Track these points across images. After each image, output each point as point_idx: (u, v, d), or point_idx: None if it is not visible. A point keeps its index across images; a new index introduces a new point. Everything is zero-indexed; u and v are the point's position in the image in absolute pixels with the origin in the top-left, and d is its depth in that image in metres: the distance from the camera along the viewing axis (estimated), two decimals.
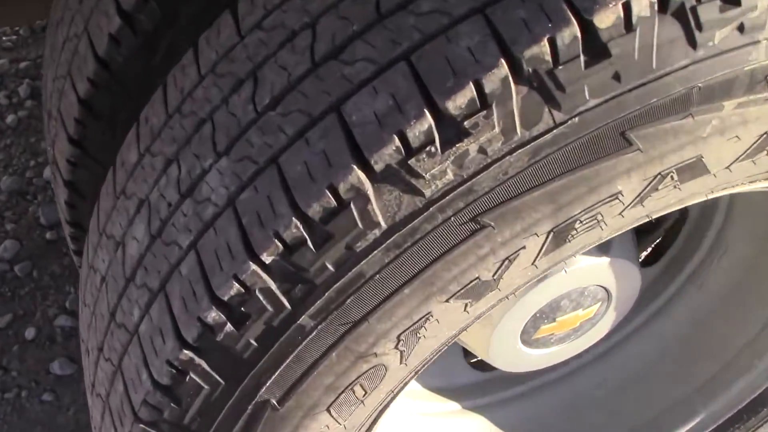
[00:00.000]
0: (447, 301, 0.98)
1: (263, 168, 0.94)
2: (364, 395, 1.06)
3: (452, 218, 0.91)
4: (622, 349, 1.95)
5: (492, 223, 0.92)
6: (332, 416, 1.07)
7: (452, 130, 0.87)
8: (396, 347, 1.02)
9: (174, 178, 1.05)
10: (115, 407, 1.10)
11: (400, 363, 1.05)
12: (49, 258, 2.76)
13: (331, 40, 0.96)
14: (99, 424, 1.20)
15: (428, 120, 0.86)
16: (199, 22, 1.35)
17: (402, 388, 1.13)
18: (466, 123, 0.86)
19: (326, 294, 0.94)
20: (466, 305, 1.01)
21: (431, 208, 0.90)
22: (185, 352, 0.97)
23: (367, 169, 0.88)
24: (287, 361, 0.98)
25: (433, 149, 0.86)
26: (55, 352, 2.52)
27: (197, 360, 0.98)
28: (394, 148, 0.86)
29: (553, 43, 0.85)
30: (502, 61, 0.85)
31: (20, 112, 3.23)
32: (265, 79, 1.00)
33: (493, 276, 0.99)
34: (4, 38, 3.55)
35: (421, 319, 0.99)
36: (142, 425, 1.05)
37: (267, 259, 0.91)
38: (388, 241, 0.91)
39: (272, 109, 0.97)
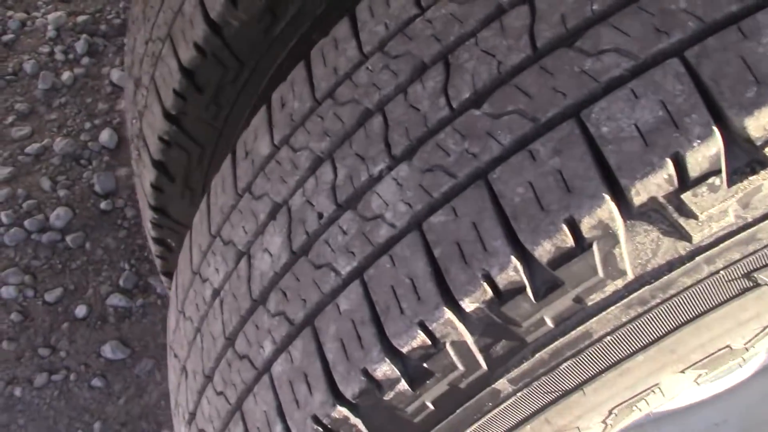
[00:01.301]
0: (683, 371, 0.76)
1: (465, 185, 0.72)
2: None
3: (722, 272, 0.68)
4: None
5: None
6: None
7: (745, 158, 0.64)
8: (603, 421, 0.80)
9: (327, 183, 0.83)
10: None
11: None
12: (103, 229, 2.56)
13: (560, 22, 0.73)
14: None
15: (717, 142, 0.63)
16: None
17: None
18: (766, 150, 0.63)
19: (536, 355, 0.72)
20: (698, 376, 0.79)
21: (697, 258, 0.67)
22: (339, 408, 0.76)
23: (620, 200, 0.65)
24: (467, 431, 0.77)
25: (717, 182, 0.64)
26: (107, 334, 2.33)
27: (353, 420, 0.77)
28: (665, 176, 0.64)
29: None
30: None
31: (76, 70, 3.03)
32: (461, 67, 0.77)
33: (745, 344, 0.76)
34: None
35: (645, 390, 0.77)
36: None
37: (468, 306, 0.69)
38: (631, 296, 0.69)
39: (475, 106, 0.75)
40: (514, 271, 0.68)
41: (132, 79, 1.44)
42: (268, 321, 0.85)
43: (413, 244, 0.73)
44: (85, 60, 3.08)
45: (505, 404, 0.75)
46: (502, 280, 0.68)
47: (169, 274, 1.56)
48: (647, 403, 0.79)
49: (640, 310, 0.70)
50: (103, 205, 2.62)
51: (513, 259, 0.68)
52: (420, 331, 0.71)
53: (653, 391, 0.77)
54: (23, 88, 2.96)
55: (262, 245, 0.90)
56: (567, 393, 0.74)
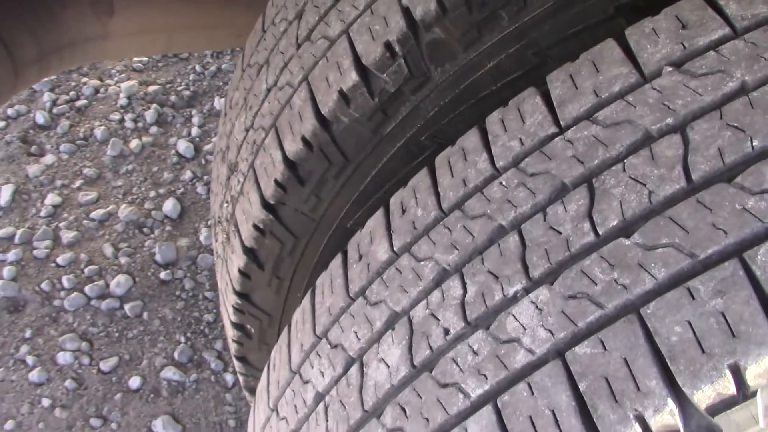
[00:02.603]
0: None
1: (614, 317, 0.70)
2: None
3: None
4: None
5: None
6: None
7: None
8: None
9: (456, 298, 0.82)
10: None
11: None
12: (161, 300, 2.56)
13: (717, 156, 0.72)
14: None
15: None
16: (457, 89, 1.13)
17: None
18: None
19: None
20: None
21: None
22: None
23: None
24: None
25: None
26: (159, 408, 2.30)
27: None
28: None
29: None
30: None
31: (145, 138, 3.09)
32: (608, 192, 0.76)
33: None
34: (134, 59, 3.43)
35: None
36: None
37: None
38: None
39: (624, 234, 0.73)
40: (669, 415, 0.65)
41: (226, 164, 1.45)
42: None
43: (555, 374, 0.71)
44: (154, 129, 3.14)
45: None
46: (656, 423, 0.65)
47: (243, 359, 1.53)
48: None
49: None
50: (162, 275, 2.62)
51: (670, 401, 0.65)
52: None
53: None
54: (92, 153, 3.02)
55: (377, 354, 0.88)
56: None
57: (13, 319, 2.44)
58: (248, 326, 1.46)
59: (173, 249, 2.69)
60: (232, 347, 1.54)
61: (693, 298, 0.67)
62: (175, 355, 2.42)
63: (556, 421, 0.69)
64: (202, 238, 2.74)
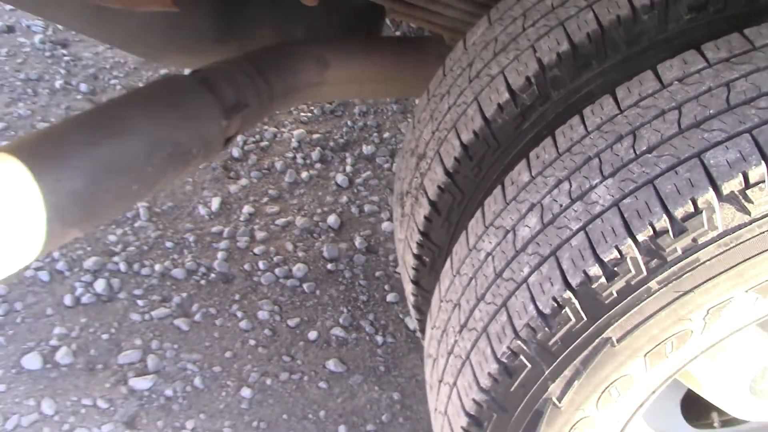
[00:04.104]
0: (747, 291, 1.50)
1: (641, 186, 1.52)
2: (671, 351, 1.58)
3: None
4: None
5: None
6: (644, 363, 1.60)
7: None
8: (703, 318, 1.54)
9: (566, 191, 1.65)
10: (495, 331, 1.67)
11: (701, 333, 1.56)
12: (328, 283, 3.44)
13: (694, 118, 1.54)
14: (468, 353, 1.77)
15: (763, 168, 1.41)
16: (567, 103, 1.98)
17: (690, 361, 1.64)
18: None
19: (671, 268, 1.48)
20: (757, 299, 1.52)
21: (753, 224, 1.44)
22: (567, 292, 1.54)
23: (717, 192, 1.43)
24: (632, 311, 1.53)
25: (763, 186, 1.41)
26: (330, 354, 3.15)
27: (573, 300, 1.54)
28: (739, 181, 1.42)
29: None
30: None
31: (311, 171, 4.03)
32: (642, 136, 1.59)
33: None
34: (301, 114, 4.44)
35: (725, 300, 1.51)
36: (519, 341, 1.61)
37: (641, 238, 1.47)
38: (720, 240, 1.45)
39: (649, 153, 1.56)
40: (664, 221, 1.46)
41: (415, 155, 2.33)
42: (526, 258, 1.65)
43: (614, 213, 1.54)
44: (318, 165, 4.08)
45: (653, 296, 1.50)
46: (658, 226, 1.46)
47: (416, 283, 2.37)
48: (726, 311, 1.51)
49: (725, 248, 1.46)
50: (329, 266, 3.51)
51: (664, 215, 1.46)
52: (615, 250, 1.49)
53: (730, 302, 1.50)
54: (274, 179, 3.97)
55: (522, 222, 1.71)
56: (686, 293, 1.49)
57: (226, 288, 3.35)
58: (425, 257, 2.30)
59: (336, 249, 3.59)
60: (410, 273, 2.37)
61: (677, 174, 1.48)
62: (340, 320, 3.28)
63: (614, 233, 1.50)
64: (356, 243, 3.63)
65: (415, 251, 2.29)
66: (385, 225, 3.72)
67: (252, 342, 3.06)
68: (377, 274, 3.47)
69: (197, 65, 2.55)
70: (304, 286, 3.34)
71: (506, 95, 1.96)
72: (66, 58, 4.58)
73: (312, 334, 3.13)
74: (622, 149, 1.60)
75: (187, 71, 2.58)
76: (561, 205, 1.64)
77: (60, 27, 4.83)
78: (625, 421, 1.72)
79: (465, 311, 1.82)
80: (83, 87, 4.36)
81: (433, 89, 2.37)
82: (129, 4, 2.37)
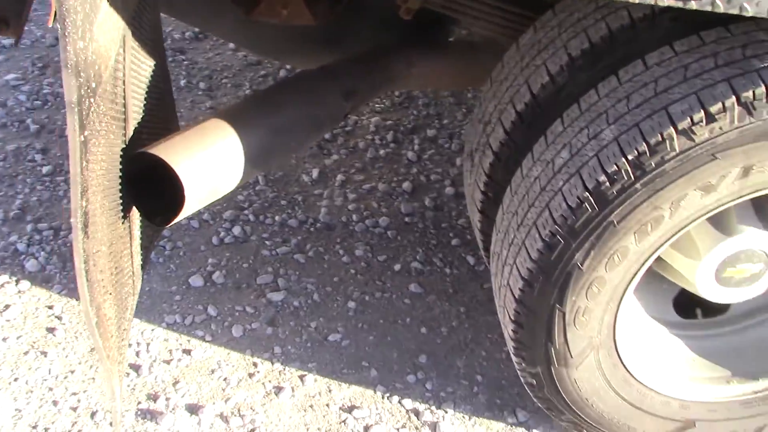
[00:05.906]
0: (695, 190, 2.49)
1: (631, 128, 2.51)
2: (651, 230, 2.56)
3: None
4: None
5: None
6: (634, 238, 2.58)
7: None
8: (669, 207, 2.52)
9: (585, 134, 2.65)
10: (541, 222, 2.66)
11: (669, 218, 2.54)
12: (407, 231, 4.44)
13: (664, 86, 2.53)
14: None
15: (702, 114, 2.39)
16: (585, 80, 2.98)
17: (666, 241, 2.62)
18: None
19: (649, 175, 2.47)
20: (702, 195, 2.50)
21: (696, 146, 2.42)
22: (585, 193, 2.53)
23: (675, 128, 2.42)
24: (626, 203, 2.51)
25: (702, 124, 2.40)
26: (411, 280, 4.13)
27: (589, 197, 2.53)
28: (687, 122, 2.40)
29: None
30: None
31: (387, 149, 5.05)
32: (632, 98, 2.57)
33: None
34: (376, 105, 5.48)
35: (682, 195, 2.49)
36: (556, 226, 2.60)
37: (630, 158, 2.46)
38: (677, 157, 2.44)
39: (636, 108, 2.54)
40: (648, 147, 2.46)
41: (482, 123, 3.34)
42: (562, 168, 2.65)
43: (615, 144, 2.54)
44: (392, 145, 5.10)
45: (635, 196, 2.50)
46: (644, 158, 2.47)
47: (482, 212, 3.37)
48: (680, 205, 2.50)
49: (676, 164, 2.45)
50: (406, 219, 4.53)
51: (644, 145, 2.46)
52: (621, 162, 2.49)
53: (686, 196, 2.49)
54: (358, 155, 5.00)
55: (558, 156, 2.70)
56: (658, 191, 2.49)
57: (329, 234, 4.36)
58: (489, 192, 3.30)
59: (411, 206, 4.59)
60: (478, 205, 3.37)
61: (652, 120, 2.47)
62: (417, 257, 4.26)
63: (614, 155, 2.50)
64: (426, 203, 4.66)
65: (482, 188, 3.31)
66: (447, 189, 4.73)
67: (352, 271, 4.04)
68: (443, 225, 4.47)
69: (309, 65, 3.59)
70: (389, 233, 4.31)
71: (547, 78, 2.96)
72: (185, 63, 5.67)
73: (397, 267, 4.08)
74: (620, 106, 2.60)
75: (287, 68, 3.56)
76: (582, 143, 2.64)
77: (176, 36, 5.93)
78: (625, 285, 2.71)
79: (520, 215, 2.83)
80: (202, 85, 5.45)
81: (494, 76, 3.39)
82: (282, 20, 3.42)
